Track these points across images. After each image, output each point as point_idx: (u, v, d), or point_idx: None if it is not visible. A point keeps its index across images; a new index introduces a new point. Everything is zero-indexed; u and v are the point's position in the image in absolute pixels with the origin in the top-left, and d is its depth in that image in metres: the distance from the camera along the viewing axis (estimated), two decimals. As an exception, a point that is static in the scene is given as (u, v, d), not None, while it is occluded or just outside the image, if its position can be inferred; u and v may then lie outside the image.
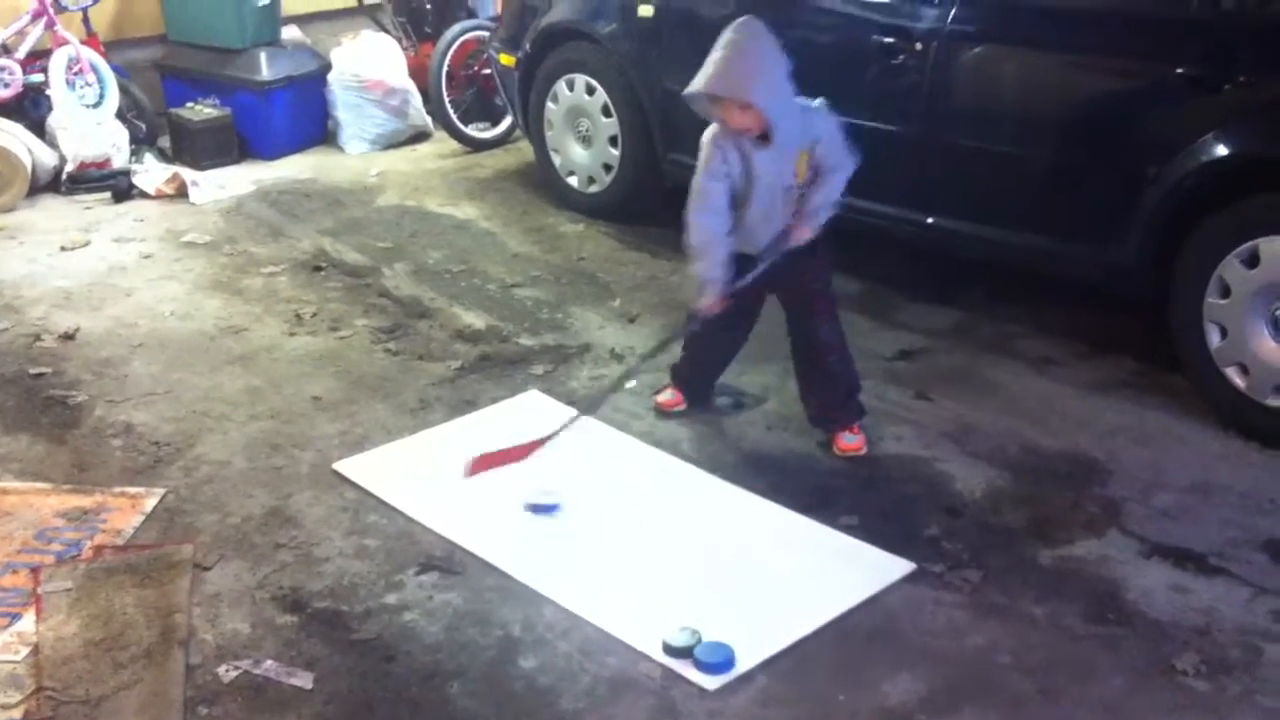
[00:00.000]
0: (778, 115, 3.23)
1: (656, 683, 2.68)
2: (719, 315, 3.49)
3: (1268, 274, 3.52)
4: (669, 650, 2.74)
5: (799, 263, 3.46)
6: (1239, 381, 3.63)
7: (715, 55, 3.24)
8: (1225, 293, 3.61)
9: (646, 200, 5.39)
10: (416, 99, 6.84)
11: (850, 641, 2.81)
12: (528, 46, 5.58)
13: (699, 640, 2.74)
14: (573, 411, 3.61)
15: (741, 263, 3.45)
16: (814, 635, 2.82)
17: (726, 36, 3.25)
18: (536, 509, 3.32)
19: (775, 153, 3.30)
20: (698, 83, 3.26)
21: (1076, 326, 4.34)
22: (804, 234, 3.42)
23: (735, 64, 3.20)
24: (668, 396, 3.84)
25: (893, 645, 2.80)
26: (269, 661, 2.74)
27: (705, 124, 3.41)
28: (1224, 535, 3.19)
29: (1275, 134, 3.52)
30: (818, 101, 3.39)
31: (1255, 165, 3.53)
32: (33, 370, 4.14)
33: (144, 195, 5.95)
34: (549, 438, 3.45)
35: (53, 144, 6.06)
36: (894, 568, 3.06)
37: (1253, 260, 3.54)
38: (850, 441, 3.58)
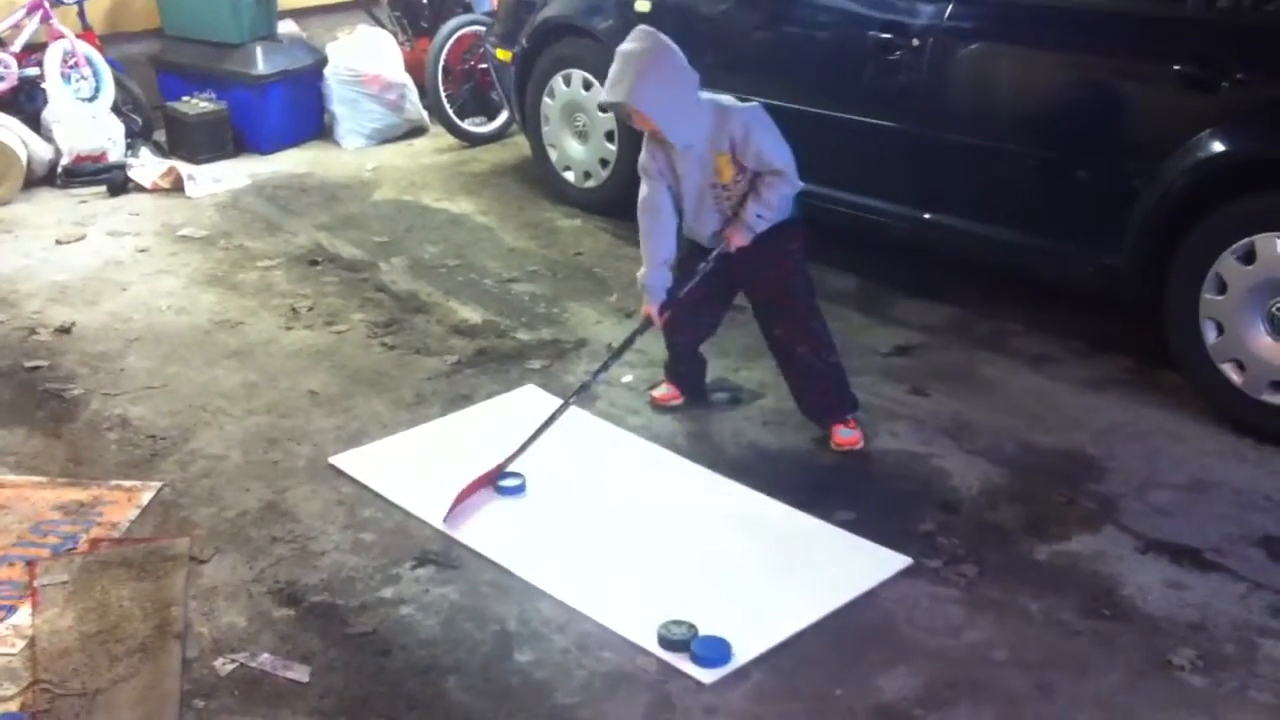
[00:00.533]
0: (665, 119, 3.30)
1: (653, 677, 2.68)
2: (683, 302, 3.53)
3: (1264, 270, 3.52)
4: (664, 643, 2.74)
5: (766, 257, 3.48)
6: (1235, 378, 3.64)
7: (612, 66, 3.33)
8: (1222, 289, 3.62)
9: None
10: (413, 94, 6.83)
11: (847, 636, 2.81)
12: (524, 41, 5.58)
13: (695, 633, 2.74)
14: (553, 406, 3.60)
15: (696, 252, 3.55)
16: (810, 630, 2.82)
17: (620, 47, 3.33)
18: (504, 491, 3.35)
19: (686, 153, 3.38)
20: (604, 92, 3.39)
21: (1072, 324, 4.34)
22: (737, 240, 3.45)
23: (623, 73, 3.28)
24: (663, 391, 3.85)
25: (889, 640, 2.80)
26: (265, 655, 2.74)
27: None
28: (1220, 531, 3.20)
29: (1272, 133, 3.52)
30: (752, 103, 3.42)
31: (1252, 164, 3.54)
32: (28, 364, 4.14)
33: (140, 189, 5.95)
34: (512, 458, 3.43)
35: (48, 137, 6.05)
36: (890, 563, 3.06)
37: (1249, 257, 3.55)
38: (846, 436, 3.58)
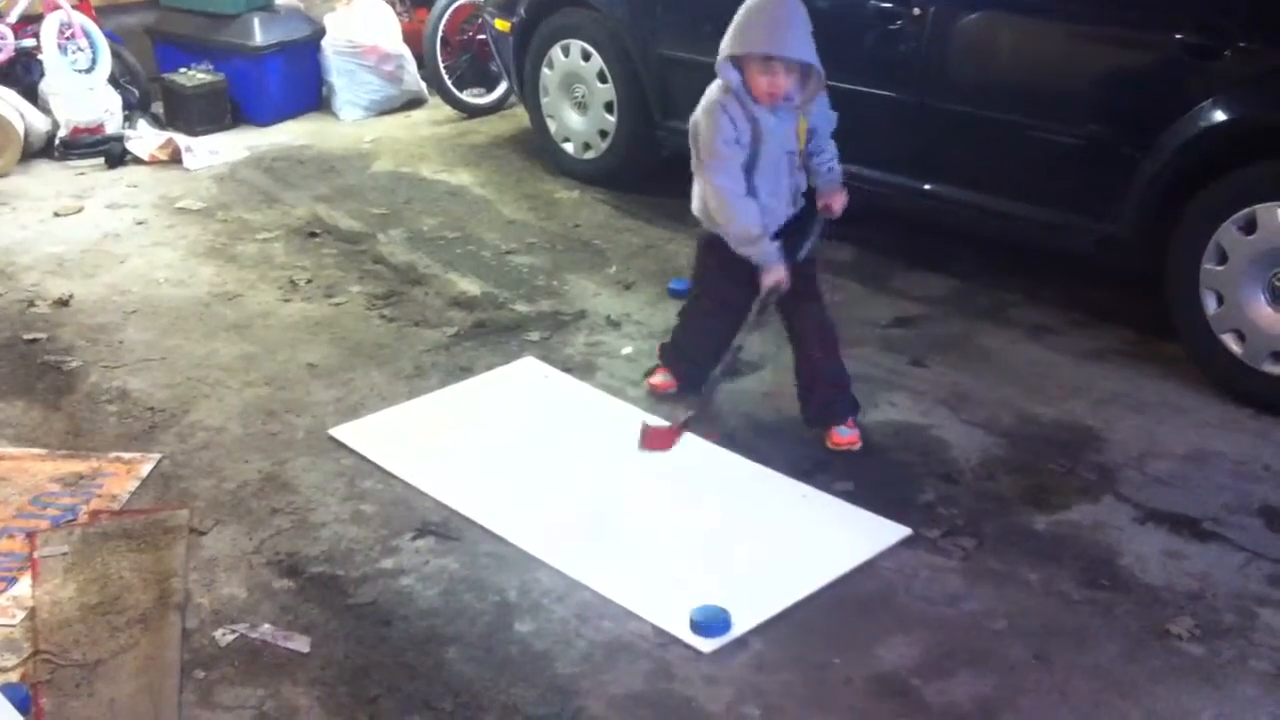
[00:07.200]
0: (819, 77, 3.15)
1: (652, 646, 2.68)
2: (719, 303, 3.45)
3: (1265, 241, 3.51)
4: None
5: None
6: (1235, 348, 3.63)
7: (761, 17, 3.08)
8: (1223, 259, 3.61)
9: (642, 167, 5.38)
10: (411, 65, 6.80)
11: (845, 606, 2.82)
12: (523, 11, 5.54)
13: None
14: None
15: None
16: (809, 599, 2.82)
17: None
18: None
19: (783, 117, 3.20)
20: (754, 44, 3.08)
21: (1072, 295, 4.33)
22: (840, 201, 3.37)
23: (793, 25, 3.07)
24: (660, 379, 3.72)
25: (888, 610, 2.81)
26: (265, 625, 2.75)
27: (702, 91, 3.31)
28: (1218, 501, 3.20)
29: (1275, 101, 3.50)
30: None
31: (1254, 132, 3.52)
32: (27, 336, 4.13)
33: (137, 161, 5.93)
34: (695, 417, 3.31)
35: (45, 109, 6.04)
36: (889, 533, 3.06)
37: (1250, 227, 3.53)
38: (845, 435, 3.45)
